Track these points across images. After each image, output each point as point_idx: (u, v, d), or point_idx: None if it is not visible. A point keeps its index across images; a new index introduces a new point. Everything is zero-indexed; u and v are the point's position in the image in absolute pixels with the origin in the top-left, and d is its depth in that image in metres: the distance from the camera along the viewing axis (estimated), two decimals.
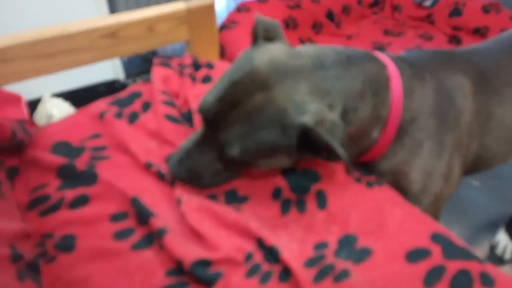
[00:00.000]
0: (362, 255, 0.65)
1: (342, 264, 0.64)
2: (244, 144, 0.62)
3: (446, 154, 0.79)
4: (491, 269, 0.62)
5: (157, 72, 0.94)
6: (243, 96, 0.61)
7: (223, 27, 1.70)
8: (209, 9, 1.00)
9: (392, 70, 0.73)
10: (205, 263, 0.62)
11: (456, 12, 1.78)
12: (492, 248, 1.39)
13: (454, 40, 1.73)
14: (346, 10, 1.90)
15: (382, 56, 0.76)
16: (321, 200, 0.74)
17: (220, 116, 0.63)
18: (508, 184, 1.54)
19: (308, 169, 0.80)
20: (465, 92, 0.80)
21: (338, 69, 0.64)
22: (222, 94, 0.62)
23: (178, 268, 0.63)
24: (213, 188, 0.74)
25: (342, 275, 0.61)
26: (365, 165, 0.81)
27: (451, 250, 0.64)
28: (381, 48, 1.70)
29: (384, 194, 0.75)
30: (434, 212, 0.85)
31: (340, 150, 0.58)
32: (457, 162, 0.82)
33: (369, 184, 0.77)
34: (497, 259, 1.36)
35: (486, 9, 1.73)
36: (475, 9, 1.74)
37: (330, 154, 0.61)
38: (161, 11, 0.94)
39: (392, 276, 0.61)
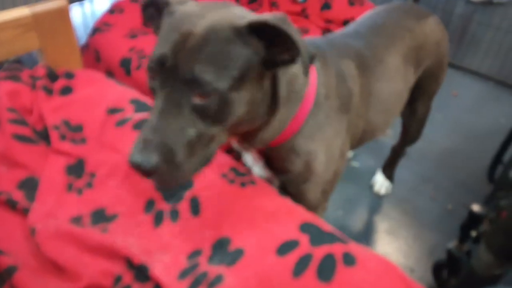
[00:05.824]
0: (235, 257, 0.64)
1: (215, 269, 0.63)
2: (215, 66, 0.57)
3: (343, 133, 0.84)
4: (354, 248, 0.66)
5: (3, 87, 0.83)
6: (193, 29, 0.58)
7: (96, 30, 1.58)
8: (62, 13, 0.90)
9: None
10: None
11: (326, 6, 1.90)
12: (371, 187, 1.62)
13: (327, 32, 1.85)
14: None
15: None
16: (195, 206, 0.73)
17: (182, 55, 0.57)
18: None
19: None
20: (353, 75, 0.86)
21: None
22: (177, 38, 0.58)
23: None
24: (192, 176, 0.61)
25: (216, 281, 0.61)
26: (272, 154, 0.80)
27: (318, 236, 0.67)
28: None
29: (257, 191, 0.76)
30: (330, 189, 0.88)
31: (297, 38, 0.57)
32: (348, 140, 0.87)
33: (243, 184, 0.77)
34: (376, 196, 1.59)
35: (351, 2, 1.88)
36: (342, 3, 1.88)
37: (290, 49, 0.59)
38: None
39: (263, 272, 0.62)
